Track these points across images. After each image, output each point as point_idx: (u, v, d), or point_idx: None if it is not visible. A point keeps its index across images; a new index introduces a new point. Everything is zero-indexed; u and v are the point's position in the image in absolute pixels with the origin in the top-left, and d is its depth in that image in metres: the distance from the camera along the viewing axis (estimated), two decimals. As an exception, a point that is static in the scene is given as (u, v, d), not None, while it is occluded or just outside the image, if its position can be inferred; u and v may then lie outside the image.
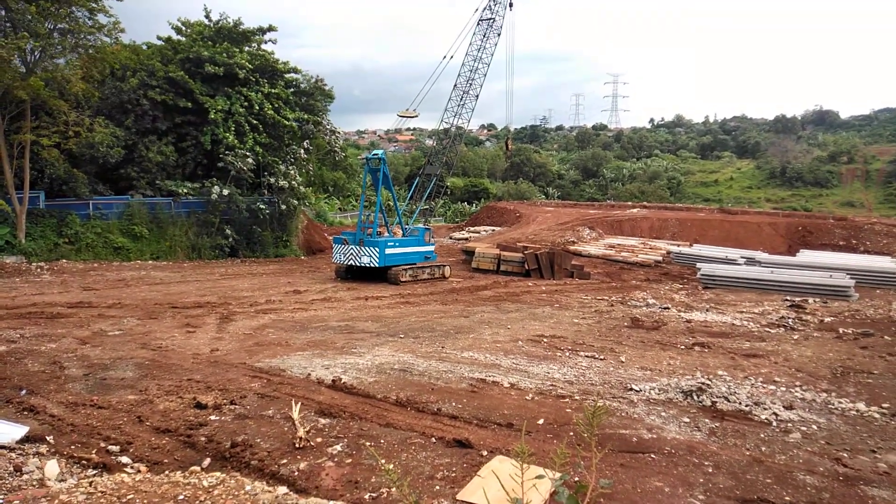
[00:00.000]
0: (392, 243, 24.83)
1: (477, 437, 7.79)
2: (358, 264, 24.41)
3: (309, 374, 10.60)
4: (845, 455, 7.89)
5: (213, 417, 8.38)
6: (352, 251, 24.44)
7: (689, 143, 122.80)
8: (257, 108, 32.12)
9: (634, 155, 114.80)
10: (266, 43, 35.34)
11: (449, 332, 14.91)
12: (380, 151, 26.50)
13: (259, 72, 33.44)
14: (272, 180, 33.09)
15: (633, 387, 10.46)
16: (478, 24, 29.30)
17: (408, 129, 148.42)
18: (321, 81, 36.56)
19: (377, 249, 24.03)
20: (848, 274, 24.35)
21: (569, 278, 26.97)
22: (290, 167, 33.93)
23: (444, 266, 27.06)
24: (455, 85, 29.42)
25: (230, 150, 31.04)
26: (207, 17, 34.38)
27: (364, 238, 24.40)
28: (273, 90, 33.41)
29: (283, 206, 33.03)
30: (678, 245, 35.57)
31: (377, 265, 24.12)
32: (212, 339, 13.51)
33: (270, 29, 35.33)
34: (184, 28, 34.40)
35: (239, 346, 12.84)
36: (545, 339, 14.36)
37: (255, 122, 32.19)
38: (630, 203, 60.05)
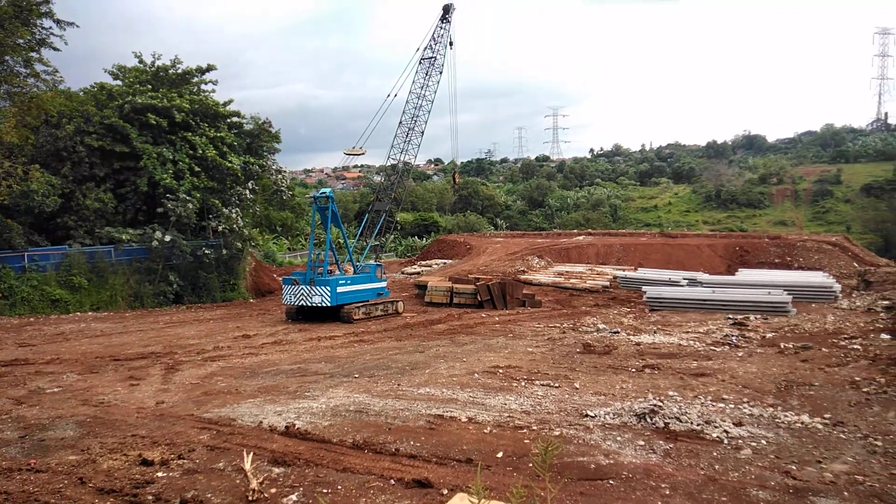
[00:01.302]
0: (343, 281, 24.61)
1: (436, 475, 7.69)
2: (309, 304, 24.04)
3: (261, 422, 10.29)
4: (794, 467, 8.14)
5: (160, 474, 8.01)
6: (302, 291, 24.08)
7: (628, 171, 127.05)
8: (200, 151, 31.62)
9: (577, 184, 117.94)
10: (207, 84, 35.01)
11: (404, 369, 14.78)
12: (327, 189, 26.42)
13: (199, 115, 33.02)
14: (214, 224, 32.45)
15: (589, 413, 10.57)
16: (420, 62, 29.91)
17: (355, 167, 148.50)
18: (267, 123, 36.36)
19: (328, 288, 23.76)
20: (785, 290, 25.44)
21: (521, 307, 27.24)
22: (234, 209, 33.37)
23: (398, 301, 26.93)
24: (400, 122, 29.81)
25: (171, 195, 30.36)
26: (141, 60, 33.90)
27: (315, 277, 24.10)
28: (218, 134, 33.01)
29: (226, 250, 32.36)
30: (624, 270, 36.49)
31: (329, 304, 23.81)
32: (157, 391, 12.99)
33: (209, 69, 35.03)
34: (120, 73, 33.78)
35: (186, 397, 12.38)
36: (501, 370, 14.40)
37: (196, 168, 31.64)
38: (576, 231, 61.48)
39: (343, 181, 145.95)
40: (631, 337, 19.01)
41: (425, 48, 29.98)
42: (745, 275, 32.71)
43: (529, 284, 32.34)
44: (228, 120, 35.17)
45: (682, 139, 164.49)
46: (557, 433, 9.47)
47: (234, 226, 32.76)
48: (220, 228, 32.35)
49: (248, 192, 35.22)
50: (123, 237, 30.22)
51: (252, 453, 8.22)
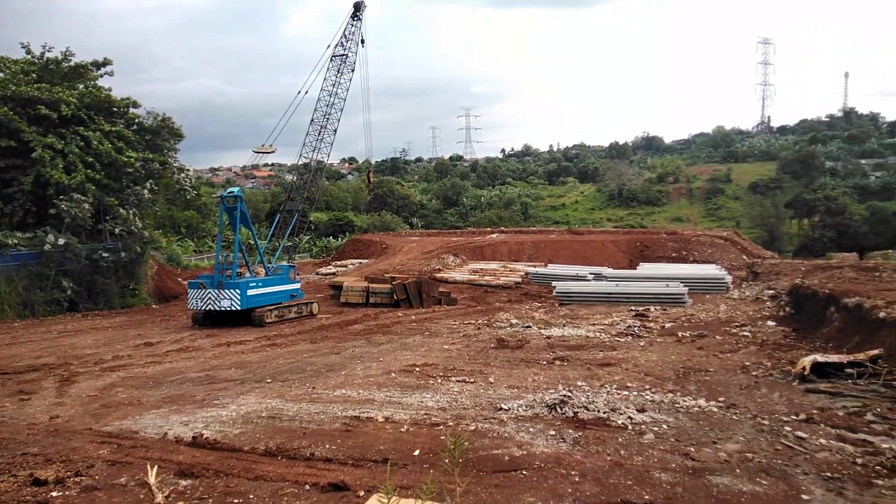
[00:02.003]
0: (254, 284, 23.85)
1: (353, 477, 7.64)
2: (217, 309, 23.12)
3: (166, 433, 9.82)
4: (692, 449, 8.69)
5: (55, 494, 7.48)
6: (210, 295, 23.12)
7: (538, 171, 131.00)
8: (95, 144, 29.56)
9: (490, 183, 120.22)
10: (102, 77, 32.86)
11: (320, 372, 14.54)
12: (235, 189, 25.49)
13: (93, 109, 30.94)
14: (111, 225, 30.53)
15: (503, 406, 10.82)
16: (331, 59, 29.42)
17: (266, 165, 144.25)
18: (168, 119, 34.54)
19: (238, 291, 22.95)
20: (681, 282, 27.07)
21: (437, 305, 27.44)
22: (132, 210, 31.52)
23: (312, 303, 26.42)
24: (312, 119, 29.19)
25: (63, 195, 28.29)
26: (28, 51, 31.38)
27: (223, 280, 23.21)
28: (113, 128, 31.04)
29: (125, 253, 30.52)
30: (535, 266, 37.57)
31: (239, 308, 23.01)
32: (50, 406, 12.10)
33: (106, 63, 32.92)
34: (1, 65, 31.08)
35: (83, 411, 11.61)
36: (417, 368, 14.46)
37: (91, 160, 29.57)
38: (489, 229, 62.64)
39: (253, 180, 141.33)
40: (542, 331, 19.61)
41: (336, 45, 29.52)
42: (645, 268, 34.52)
43: (445, 282, 32.63)
44: (126, 114, 33.16)
45: (588, 140, 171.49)
46: (473, 428, 9.64)
47: (133, 227, 30.94)
48: (117, 231, 30.47)
49: (147, 191, 33.35)
50: (10, 241, 27.84)
51: (157, 466, 7.84)
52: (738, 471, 7.86)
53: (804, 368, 12.43)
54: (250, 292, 23.39)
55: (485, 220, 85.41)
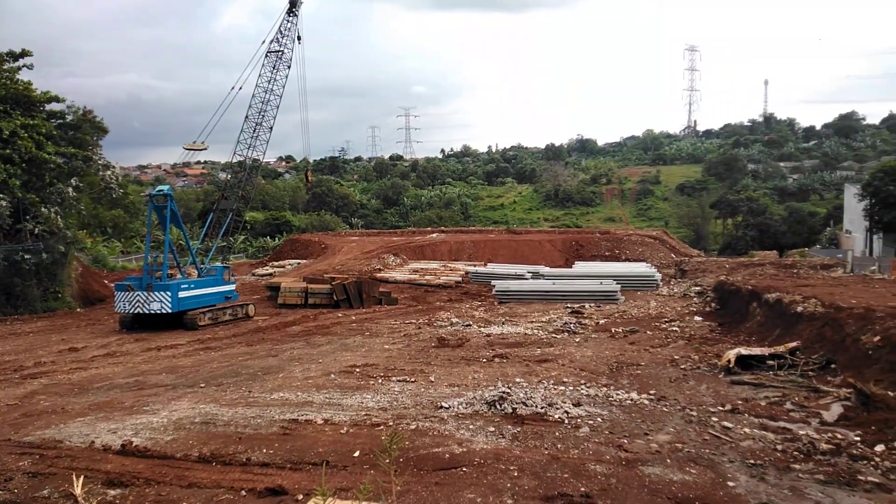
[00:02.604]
0: (186, 285, 23.05)
1: (291, 481, 7.51)
2: (147, 312, 22.23)
3: (92, 442, 9.37)
4: (625, 441, 8.98)
5: (-33, 512, 7.02)
6: (138, 297, 22.20)
7: (477, 171, 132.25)
8: (7, 134, 27.75)
9: (430, 183, 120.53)
10: (21, 70, 30.96)
11: (256, 375, 14.21)
12: (165, 187, 24.55)
13: (9, 102, 29.13)
14: (32, 225, 28.86)
15: (443, 404, 10.88)
16: (266, 55, 28.78)
17: (198, 163, 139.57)
18: (90, 113, 32.88)
19: (169, 293, 22.14)
20: (614, 280, 27.94)
21: (378, 305, 27.30)
22: (54, 208, 29.89)
23: (248, 305, 25.78)
24: (247, 116, 28.46)
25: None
26: None
27: (152, 282, 22.33)
28: (32, 122, 29.30)
29: (47, 254, 28.92)
30: (475, 265, 37.93)
31: (170, 310, 22.19)
32: (-39, 418, 11.33)
33: (24, 54, 31.04)
34: None
35: (1, 421, 10.94)
36: (358, 369, 14.35)
37: (7, 152, 27.79)
38: (430, 228, 62.76)
39: (184, 178, 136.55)
40: (482, 329, 19.83)
41: (272, 41, 28.92)
42: (580, 267, 35.45)
43: (386, 282, 32.50)
44: (46, 108, 31.38)
45: (525, 142, 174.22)
46: (414, 427, 9.65)
47: (56, 227, 29.34)
48: (38, 231, 28.82)
49: (71, 189, 31.70)
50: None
51: (83, 476, 7.48)
52: (668, 461, 8.18)
53: (729, 361, 13.07)
54: (182, 294, 22.60)
55: (425, 220, 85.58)
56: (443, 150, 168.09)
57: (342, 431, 9.59)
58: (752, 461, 8.14)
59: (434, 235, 51.78)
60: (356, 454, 8.49)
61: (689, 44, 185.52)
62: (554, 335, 18.42)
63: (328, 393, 12.17)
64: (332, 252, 43.66)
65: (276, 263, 45.25)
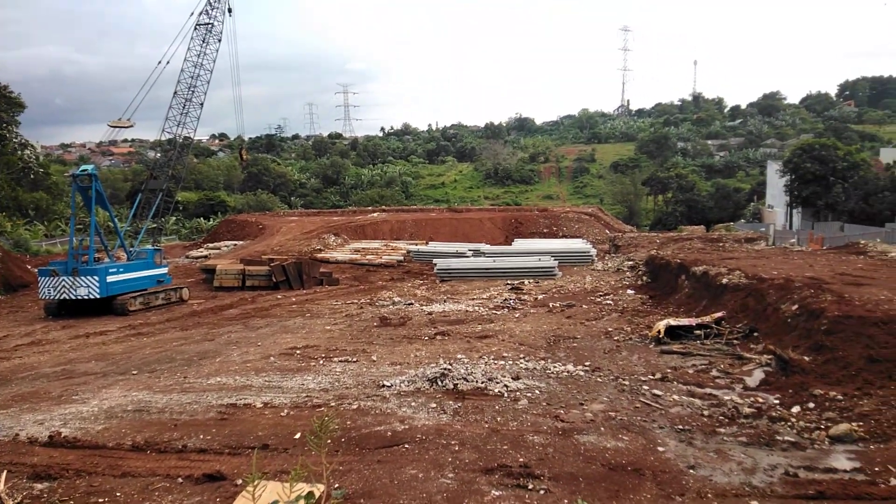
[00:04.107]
0: (115, 269, 22.13)
1: (230, 466, 7.41)
2: (73, 297, 21.25)
3: (17, 435, 8.95)
4: (562, 412, 9.27)
5: None
6: (64, 283, 21.17)
7: (417, 150, 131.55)
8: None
9: (370, 161, 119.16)
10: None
11: (192, 360, 13.86)
12: (90, 166, 23.35)
13: None
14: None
15: (385, 383, 10.93)
16: (195, 28, 27.59)
17: (125, 141, 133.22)
18: (4, 88, 30.80)
19: (97, 278, 21.21)
20: (552, 256, 28.55)
21: (318, 286, 26.98)
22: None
23: (182, 288, 25.00)
24: (175, 92, 27.30)
25: None
26: None
27: (79, 266, 21.31)
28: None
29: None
30: (416, 244, 37.95)
31: (98, 296, 21.28)
32: None
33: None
34: None
35: (-89, 418, 10.28)
36: (298, 351, 14.20)
37: None
38: (371, 208, 62.25)
39: (111, 157, 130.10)
40: (424, 307, 19.94)
41: (201, 13, 27.72)
42: (520, 244, 36.04)
43: (327, 263, 32.12)
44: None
45: (465, 120, 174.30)
46: (356, 406, 9.66)
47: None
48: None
49: (-16, 170, 29.73)
50: None
51: (6, 471, 7.15)
52: (602, 429, 8.51)
53: (659, 332, 13.64)
54: (110, 279, 21.70)
55: (366, 199, 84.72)
56: (383, 129, 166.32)
57: (282, 414, 9.50)
58: (680, 427, 8.57)
59: (375, 215, 51.41)
60: (297, 436, 8.44)
61: (623, 24, 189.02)
62: (494, 311, 18.71)
63: (268, 376, 12.01)
64: (270, 233, 42.73)
65: (211, 245, 43.94)
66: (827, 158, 46.07)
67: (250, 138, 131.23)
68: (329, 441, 8.04)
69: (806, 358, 10.77)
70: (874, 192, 39.69)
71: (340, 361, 12.99)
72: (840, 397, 9.17)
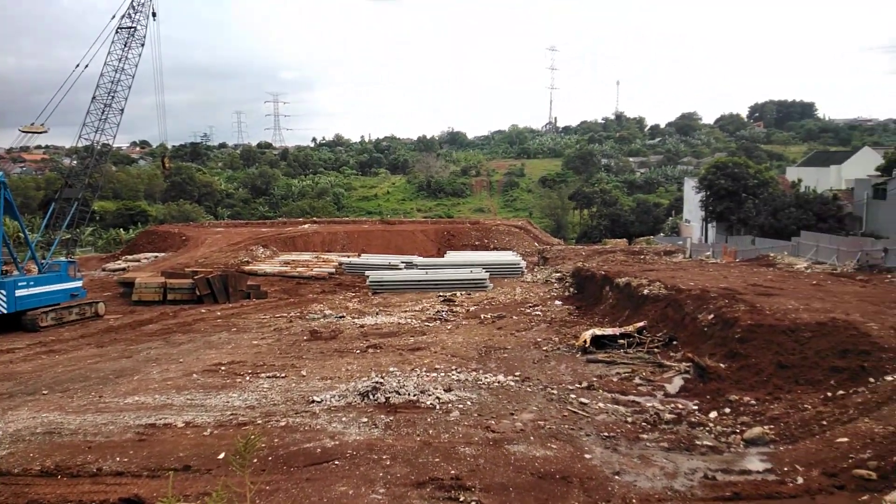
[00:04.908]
0: (24, 283, 20.76)
1: (149, 489, 7.07)
2: (-25, 313, 19.74)
3: None
4: (493, 422, 9.38)
5: None
6: (-36, 298, 19.65)
7: (350, 161, 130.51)
8: None
9: (301, 172, 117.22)
10: None
11: (108, 378, 13.15)
12: (-4, 174, 21.85)
13: None
14: None
15: (315, 398, 10.73)
16: (117, 31, 26.44)
17: (38, 147, 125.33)
18: None
19: (4, 292, 19.83)
20: (483, 268, 28.90)
21: (245, 300, 26.19)
22: None
23: (98, 303, 23.69)
24: (94, 97, 26.01)
25: None
26: None
27: (-19, 280, 19.84)
28: None
29: None
30: (348, 256, 37.53)
31: (6, 311, 19.90)
32: None
33: None
34: None
35: None
36: (223, 367, 13.73)
37: None
38: (301, 219, 61.10)
39: (22, 164, 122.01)
40: (356, 320, 19.72)
41: (123, 17, 26.60)
42: (452, 256, 36.27)
43: (254, 275, 31.25)
44: None
45: (398, 133, 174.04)
46: (284, 423, 9.43)
47: None
48: None
49: None
50: None
51: None
52: (532, 438, 8.66)
53: (585, 341, 14.05)
54: (20, 293, 20.36)
55: (297, 211, 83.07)
56: (314, 139, 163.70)
57: (205, 434, 9.16)
58: (606, 434, 8.84)
59: (306, 226, 50.52)
60: (221, 456, 8.15)
61: (551, 44, 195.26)
62: (427, 323, 18.73)
63: (190, 394, 11.56)
64: (194, 244, 41.21)
65: (130, 257, 41.88)
66: (739, 176, 48.88)
67: (174, 146, 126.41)
68: (255, 460, 7.81)
69: (722, 365, 11.35)
70: (781, 207, 42.38)
71: (268, 377, 12.66)
72: (753, 402, 9.72)
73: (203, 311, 23.58)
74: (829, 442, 7.78)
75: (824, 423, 8.38)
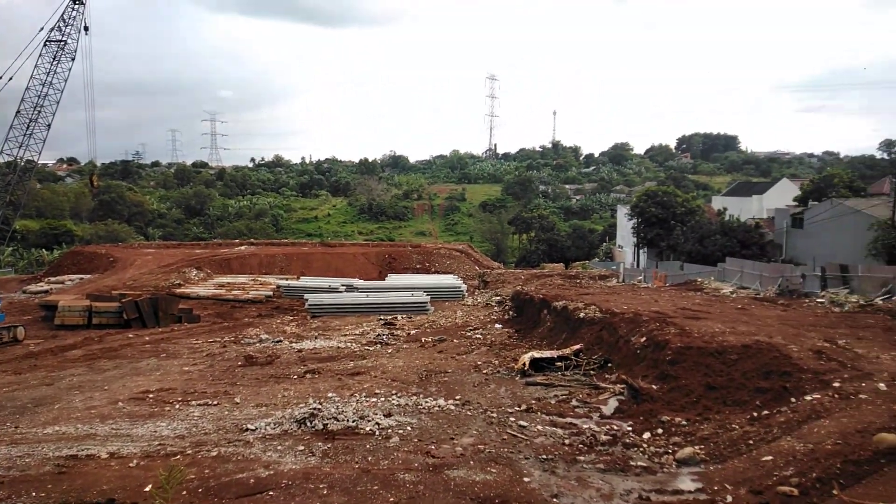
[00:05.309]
0: (-70, 307, 19.34)
1: (68, 525, 6.64)
2: None
3: None
4: (433, 447, 9.31)
5: None
6: None
7: (290, 182, 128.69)
8: None
9: (238, 193, 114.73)
10: None
11: (25, 407, 12.35)
12: None
13: None
14: None
15: (249, 426, 10.39)
16: (45, 44, 25.43)
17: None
18: None
19: None
20: (425, 291, 28.93)
21: (177, 324, 25.24)
22: None
23: (17, 327, 22.34)
24: (19, 111, 24.89)
25: None
26: None
27: None
28: None
29: None
30: (287, 279, 36.81)
31: None
32: None
33: None
34: None
35: None
36: (151, 395, 13.14)
37: None
38: (238, 241, 59.60)
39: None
40: (294, 344, 19.30)
41: (53, 29, 25.62)
42: (393, 279, 36.16)
43: (187, 298, 30.20)
44: None
45: (339, 155, 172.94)
46: (215, 453, 9.07)
47: None
48: None
49: None
50: None
51: None
52: (472, 462, 8.64)
53: (524, 364, 14.22)
54: (-76, 317, 18.93)
55: (233, 232, 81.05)
56: (253, 160, 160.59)
57: (131, 465, 8.71)
58: (544, 456, 8.92)
59: (243, 248, 49.31)
60: (148, 489, 7.75)
61: (490, 73, 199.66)
62: (367, 347, 18.53)
63: (115, 423, 10.99)
64: (122, 266, 39.50)
65: (53, 279, 39.73)
66: (668, 204, 51.12)
67: (104, 164, 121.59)
68: (184, 492, 7.47)
69: (654, 386, 11.70)
70: (708, 235, 44.47)
71: (199, 405, 12.18)
72: (684, 422, 10.04)
73: (131, 335, 22.57)
74: (755, 460, 8.11)
75: (751, 442, 8.73)
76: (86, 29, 26.66)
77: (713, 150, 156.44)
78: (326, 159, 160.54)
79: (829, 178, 54.13)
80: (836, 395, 9.23)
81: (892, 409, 8.46)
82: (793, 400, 9.61)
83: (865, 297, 19.34)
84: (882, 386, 9.41)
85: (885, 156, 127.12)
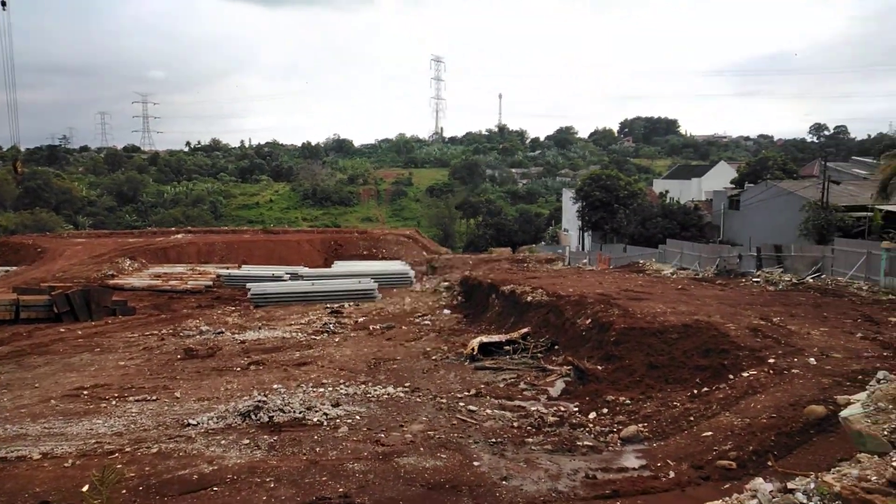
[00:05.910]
0: None
1: (-5, 534, 6.27)
2: None
3: None
4: (382, 435, 9.24)
5: None
6: None
7: (228, 167, 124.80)
8: None
9: (174, 178, 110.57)
10: None
11: (-56, 410, 11.58)
12: None
13: None
14: None
15: (191, 421, 10.06)
16: (-46, 19, 23.64)
17: None
18: None
19: None
20: (372, 278, 28.66)
21: (111, 316, 24.16)
22: None
23: (-70, 324, 20.89)
24: (-76, 92, 23.05)
25: None
26: None
27: None
28: None
29: None
30: (227, 268, 35.81)
31: None
32: None
33: None
34: None
35: None
36: (86, 392, 12.57)
37: None
38: (174, 228, 57.56)
39: None
40: (236, 336, 18.81)
41: (-38, 3, 23.84)
42: (339, 266, 35.70)
43: (121, 290, 28.97)
44: None
45: (281, 138, 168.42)
46: (155, 450, 8.73)
47: None
48: None
49: None
50: None
51: None
52: (421, 449, 8.62)
53: (473, 349, 14.29)
54: None
55: (169, 219, 78.15)
56: (189, 143, 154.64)
57: (66, 465, 8.29)
58: (493, 440, 8.99)
59: (179, 236, 47.65)
60: (84, 489, 7.39)
61: (435, 54, 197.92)
62: (313, 337, 18.23)
63: (47, 422, 10.46)
64: (51, 257, 37.55)
65: (-27, 272, 37.40)
66: (611, 187, 52.32)
67: (28, 149, 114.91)
68: (123, 491, 7.16)
69: (599, 367, 11.97)
70: (649, 217, 45.76)
71: (137, 401, 11.73)
72: (628, 402, 10.31)
73: (62, 330, 21.50)
74: (695, 436, 8.40)
75: (691, 418, 9.04)
76: (3, 4, 24.98)
77: (654, 133, 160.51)
78: (267, 143, 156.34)
79: (764, 161, 56.45)
80: (771, 371, 9.65)
81: (821, 382, 8.91)
82: (731, 377, 9.99)
83: (797, 276, 20.31)
84: (812, 360, 9.89)
85: (815, 139, 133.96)
